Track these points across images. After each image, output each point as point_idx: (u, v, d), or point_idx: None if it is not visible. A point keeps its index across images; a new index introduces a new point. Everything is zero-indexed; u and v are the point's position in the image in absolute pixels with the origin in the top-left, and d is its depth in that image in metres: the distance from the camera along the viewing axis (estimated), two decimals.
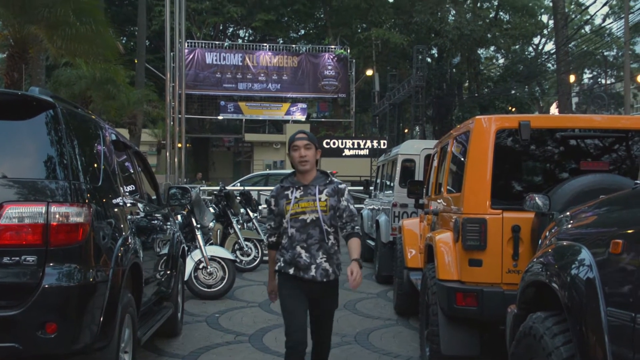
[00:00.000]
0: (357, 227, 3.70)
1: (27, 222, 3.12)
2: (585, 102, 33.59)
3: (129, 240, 3.92)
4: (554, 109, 36.60)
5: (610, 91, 35.55)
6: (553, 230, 2.95)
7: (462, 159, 4.71)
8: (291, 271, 3.64)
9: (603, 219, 2.55)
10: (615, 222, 2.36)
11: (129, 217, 4.13)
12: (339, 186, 3.72)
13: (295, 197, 3.64)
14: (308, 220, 3.61)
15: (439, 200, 5.46)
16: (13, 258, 3.08)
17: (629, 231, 2.12)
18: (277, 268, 3.72)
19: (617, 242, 2.10)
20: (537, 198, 3.80)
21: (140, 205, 4.69)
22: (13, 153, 3.34)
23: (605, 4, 26.52)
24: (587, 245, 2.37)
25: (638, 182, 2.55)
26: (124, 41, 33.06)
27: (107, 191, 3.82)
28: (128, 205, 4.23)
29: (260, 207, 12.05)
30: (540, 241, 3.21)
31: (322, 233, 3.62)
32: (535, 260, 2.82)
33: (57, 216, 3.14)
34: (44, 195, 3.18)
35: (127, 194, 4.37)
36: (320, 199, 3.62)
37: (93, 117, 4.28)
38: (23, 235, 3.11)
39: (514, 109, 31.82)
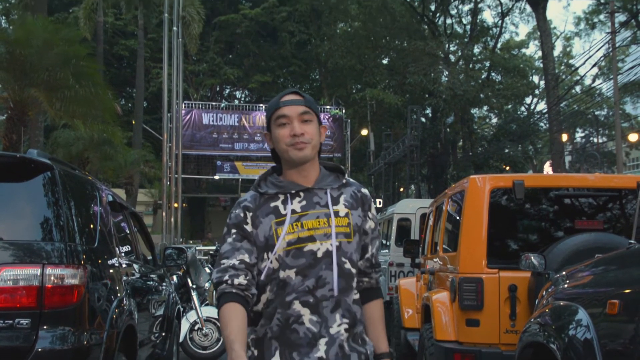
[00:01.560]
0: (380, 277, 2.26)
1: (22, 284, 3.10)
2: (578, 160, 33.90)
3: (124, 302, 3.89)
4: (547, 168, 36.88)
5: (603, 150, 35.95)
6: (550, 290, 2.95)
7: (458, 218, 4.74)
8: (276, 357, 1.98)
9: (599, 278, 2.55)
10: (611, 282, 2.37)
11: (124, 278, 4.11)
12: (361, 191, 2.15)
13: (294, 211, 2.02)
14: (319, 254, 1.98)
15: (435, 260, 5.45)
16: (6, 321, 3.05)
17: (626, 291, 2.13)
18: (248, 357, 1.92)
19: (613, 303, 2.11)
20: (532, 257, 3.81)
21: (135, 266, 4.67)
22: (10, 215, 3.35)
23: (594, 66, 27.12)
24: (583, 305, 2.37)
25: (632, 241, 2.57)
26: (122, 103, 33.55)
27: (103, 252, 3.81)
28: (124, 266, 4.21)
29: None
30: (537, 301, 3.20)
31: (343, 278, 2.00)
32: (532, 320, 2.81)
33: (52, 278, 3.12)
34: (39, 257, 3.17)
35: (123, 254, 4.36)
36: (338, 213, 2.04)
37: (90, 178, 4.31)
38: (17, 298, 3.09)
39: (508, 168, 32.05)
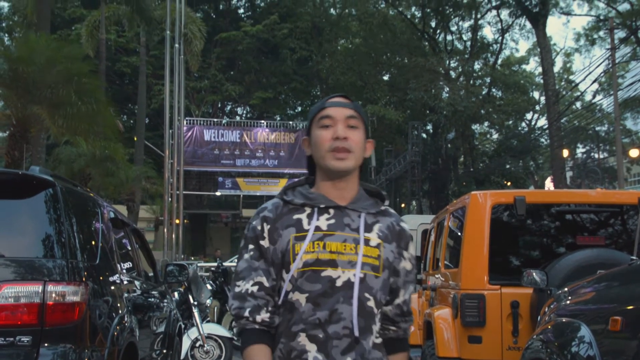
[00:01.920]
0: (410, 328, 1.95)
1: (23, 301, 3.09)
2: (579, 176, 33.91)
3: (126, 319, 3.88)
4: (548, 183, 36.88)
5: (604, 165, 35.96)
6: (552, 306, 2.94)
7: (459, 234, 4.73)
8: None
9: (601, 295, 2.55)
10: (614, 299, 2.37)
11: (125, 295, 4.10)
12: (400, 225, 1.88)
13: (318, 228, 1.77)
14: (339, 283, 1.72)
15: (436, 276, 5.44)
16: (7, 339, 3.04)
17: (628, 308, 2.12)
18: None
19: (616, 319, 2.10)
20: (534, 274, 3.80)
21: (137, 282, 4.66)
22: (12, 232, 3.36)
23: (594, 82, 27.22)
24: (586, 322, 2.36)
25: (634, 257, 2.57)
26: (124, 119, 33.67)
27: (105, 269, 3.81)
28: (125, 282, 4.21)
29: None
30: (539, 317, 3.19)
31: (363, 317, 1.73)
32: (535, 337, 2.80)
33: (53, 295, 3.12)
34: (40, 274, 3.17)
35: (124, 271, 4.35)
36: (369, 242, 1.78)
37: (91, 195, 4.32)
38: (19, 315, 3.08)
39: (509, 183, 32.05)
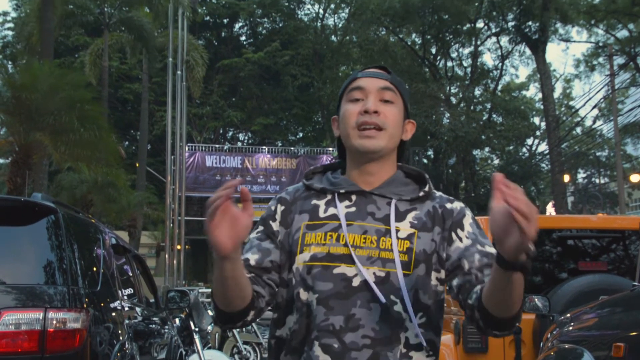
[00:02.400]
0: None
1: (24, 328, 3.08)
2: (580, 201, 33.87)
3: (126, 346, 3.86)
4: (550, 208, 36.84)
5: (605, 190, 35.96)
6: (554, 333, 2.93)
7: None
8: None
9: (604, 321, 2.54)
10: (616, 325, 2.36)
11: (126, 321, 4.09)
12: (445, 205, 1.58)
13: (334, 216, 1.53)
14: (355, 283, 1.46)
15: None
16: None
17: (631, 334, 2.12)
18: None
19: (619, 346, 2.09)
20: (536, 299, 3.79)
21: (138, 309, 4.65)
22: (13, 258, 3.36)
23: (594, 107, 27.36)
24: (589, 348, 2.35)
25: (636, 283, 2.57)
26: (126, 145, 33.81)
27: (106, 295, 3.80)
28: (126, 309, 4.20)
29: None
30: (541, 344, 3.18)
31: (388, 324, 1.44)
32: None
33: (54, 322, 3.11)
34: (42, 300, 3.16)
35: (126, 297, 4.35)
36: (398, 234, 1.49)
37: (93, 221, 4.33)
38: (19, 342, 3.07)
39: None
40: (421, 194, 1.56)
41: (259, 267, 1.52)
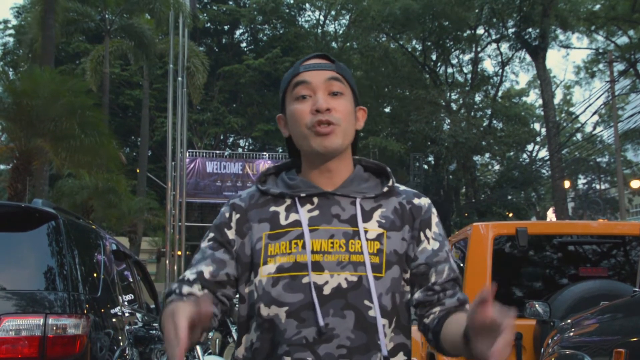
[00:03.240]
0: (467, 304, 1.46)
1: (24, 334, 3.08)
2: (581, 207, 33.86)
3: (127, 352, 3.85)
4: (550, 214, 36.82)
5: (605, 196, 35.95)
6: (555, 338, 2.93)
7: (461, 265, 4.72)
8: None
9: (605, 327, 2.54)
10: (617, 331, 2.36)
11: (127, 327, 4.09)
12: (413, 201, 1.50)
13: (297, 222, 1.43)
14: (326, 291, 1.37)
15: None
16: None
17: (632, 340, 2.11)
18: None
19: (619, 352, 2.09)
20: (537, 305, 3.78)
21: (138, 315, 4.65)
22: (14, 264, 3.36)
23: (594, 113, 27.38)
24: (589, 354, 2.35)
25: (637, 289, 2.57)
26: (126, 151, 33.84)
27: (106, 301, 3.80)
28: (126, 315, 4.19)
29: None
30: (542, 349, 3.17)
31: (364, 331, 1.36)
32: None
33: (54, 328, 3.11)
34: (42, 306, 3.16)
35: (126, 303, 4.35)
36: (366, 235, 1.42)
37: (94, 227, 4.33)
38: (19, 348, 3.07)
39: (511, 214, 32.01)
40: (385, 189, 1.47)
41: (213, 281, 1.43)
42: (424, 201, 1.50)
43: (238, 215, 1.47)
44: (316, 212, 1.42)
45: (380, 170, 1.53)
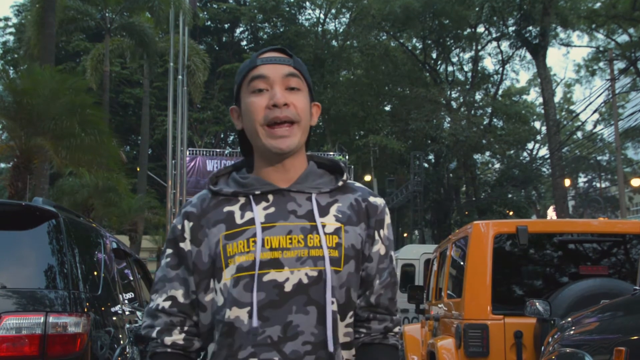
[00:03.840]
0: (397, 327, 1.53)
1: (25, 332, 3.08)
2: (581, 205, 33.87)
3: (127, 350, 3.86)
4: (551, 213, 36.82)
5: (606, 194, 35.95)
6: (556, 337, 2.93)
7: (462, 263, 4.72)
8: None
9: (605, 325, 2.54)
10: (617, 329, 2.36)
11: (127, 325, 4.09)
12: (368, 199, 1.51)
13: (253, 220, 1.42)
14: (288, 288, 1.36)
15: (439, 306, 5.41)
16: None
17: (632, 338, 2.11)
18: None
19: (620, 350, 2.09)
20: (537, 304, 3.79)
21: (139, 313, 4.65)
22: (14, 263, 3.37)
23: (594, 112, 27.37)
24: (590, 352, 2.35)
25: (637, 287, 2.57)
26: (127, 150, 33.84)
27: (106, 300, 3.80)
28: (127, 313, 4.20)
29: None
30: (543, 347, 3.18)
31: (323, 324, 1.36)
32: None
33: (55, 326, 3.11)
34: (42, 305, 3.17)
35: (126, 302, 4.35)
36: (324, 229, 1.41)
37: (94, 225, 4.33)
38: (19, 347, 3.07)
39: (511, 213, 32.01)
40: (340, 183, 1.48)
41: (188, 304, 1.43)
42: (380, 201, 1.51)
43: (191, 224, 1.44)
44: (272, 209, 1.41)
45: (334, 166, 1.53)
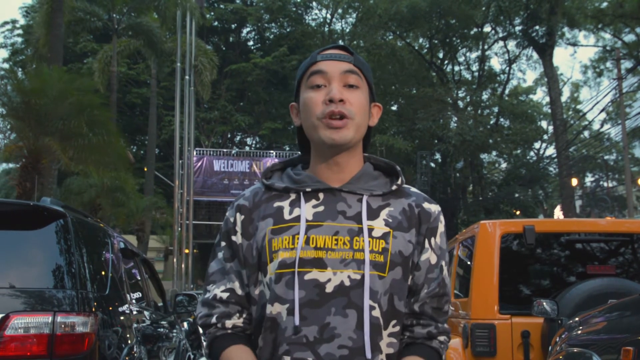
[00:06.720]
0: (443, 336, 1.46)
1: (33, 332, 3.10)
2: (589, 204, 33.75)
3: (135, 349, 3.87)
4: (558, 212, 36.70)
5: (613, 194, 35.80)
6: (563, 336, 2.92)
7: (469, 263, 4.72)
8: None
9: (613, 325, 2.53)
10: (625, 329, 2.35)
11: (135, 325, 4.10)
12: (422, 205, 1.46)
13: (298, 218, 1.40)
14: (329, 289, 1.33)
15: None
16: None
17: None
18: None
19: (628, 350, 2.09)
20: (544, 303, 3.78)
21: (146, 313, 4.66)
22: (22, 262, 3.38)
23: (602, 111, 27.27)
24: (597, 352, 2.35)
25: None
26: (134, 150, 33.95)
27: (114, 299, 3.82)
28: (134, 313, 4.21)
29: None
30: (550, 347, 3.17)
31: (362, 329, 1.33)
32: None
33: (63, 326, 3.12)
34: (50, 304, 3.18)
35: (134, 301, 4.36)
36: (371, 232, 1.38)
37: (102, 225, 4.35)
38: (28, 346, 3.09)
39: (518, 212, 31.92)
40: (394, 187, 1.44)
41: (244, 296, 1.44)
42: (434, 207, 1.47)
43: (243, 217, 1.45)
44: (321, 208, 1.39)
45: (390, 169, 1.50)
